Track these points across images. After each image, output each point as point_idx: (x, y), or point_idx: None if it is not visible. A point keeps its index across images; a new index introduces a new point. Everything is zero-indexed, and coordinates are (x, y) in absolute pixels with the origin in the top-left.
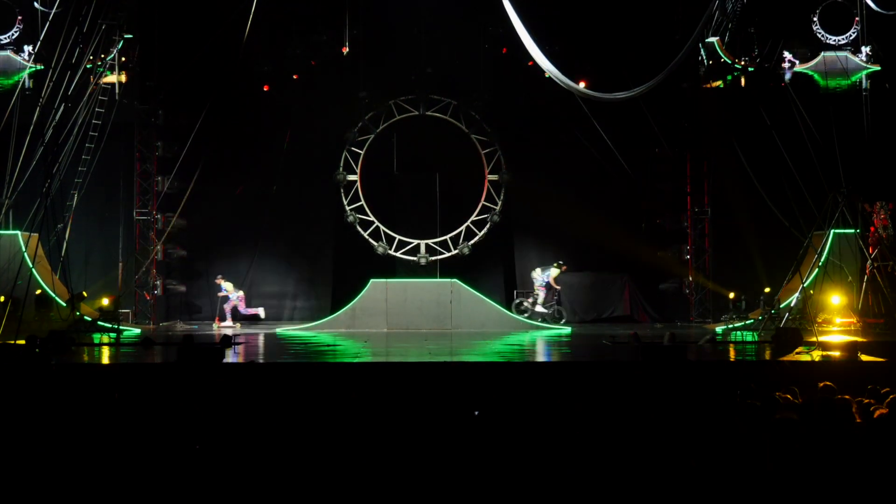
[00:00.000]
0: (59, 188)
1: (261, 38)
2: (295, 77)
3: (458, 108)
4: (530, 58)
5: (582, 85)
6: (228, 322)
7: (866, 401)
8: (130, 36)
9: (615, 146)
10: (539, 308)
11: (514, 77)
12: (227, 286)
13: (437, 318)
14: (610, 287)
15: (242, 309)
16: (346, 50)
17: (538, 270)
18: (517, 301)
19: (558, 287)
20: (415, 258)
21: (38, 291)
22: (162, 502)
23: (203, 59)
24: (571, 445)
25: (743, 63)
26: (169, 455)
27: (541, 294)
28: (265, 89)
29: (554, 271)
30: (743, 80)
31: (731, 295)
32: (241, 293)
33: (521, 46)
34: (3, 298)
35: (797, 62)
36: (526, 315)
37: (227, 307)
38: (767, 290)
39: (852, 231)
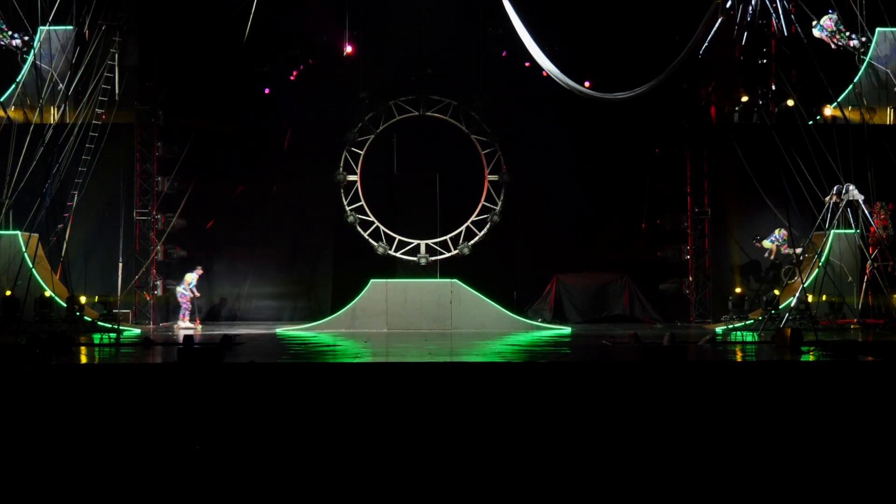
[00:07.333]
0: (59, 188)
1: (261, 38)
2: (294, 76)
3: (458, 108)
4: (530, 58)
5: (584, 84)
6: (185, 322)
7: None
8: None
9: (615, 146)
10: None
11: (514, 77)
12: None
13: (437, 318)
14: (610, 287)
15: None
16: (346, 50)
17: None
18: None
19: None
20: (415, 258)
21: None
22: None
23: (203, 59)
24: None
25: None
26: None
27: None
28: (265, 91)
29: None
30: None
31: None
32: (186, 286)
33: (521, 47)
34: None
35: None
36: None
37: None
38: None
39: (852, 231)
